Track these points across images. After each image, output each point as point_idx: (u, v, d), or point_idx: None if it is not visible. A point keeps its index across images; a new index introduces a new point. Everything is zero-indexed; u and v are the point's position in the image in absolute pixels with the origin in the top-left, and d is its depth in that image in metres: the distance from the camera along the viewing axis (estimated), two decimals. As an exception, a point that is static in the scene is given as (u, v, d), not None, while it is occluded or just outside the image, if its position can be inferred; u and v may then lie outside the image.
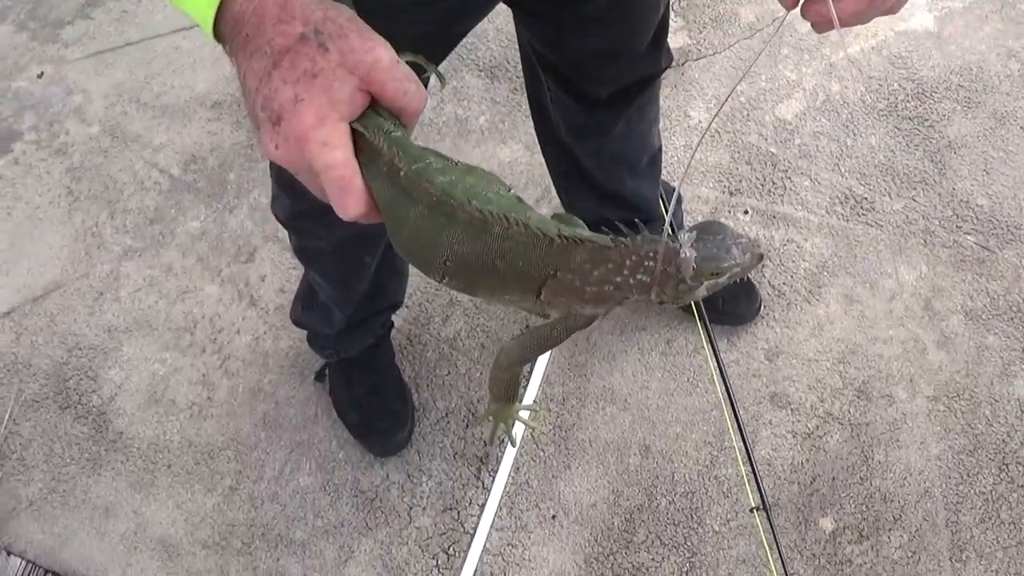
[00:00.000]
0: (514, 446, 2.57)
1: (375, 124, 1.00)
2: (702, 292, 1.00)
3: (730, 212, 2.95)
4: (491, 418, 1.23)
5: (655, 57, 2.09)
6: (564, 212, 1.09)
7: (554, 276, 1.00)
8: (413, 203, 1.00)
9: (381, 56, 0.97)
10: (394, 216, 1.01)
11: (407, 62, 1.07)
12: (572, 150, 2.36)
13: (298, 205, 2.08)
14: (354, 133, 0.99)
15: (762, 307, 2.82)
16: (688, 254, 0.97)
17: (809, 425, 2.69)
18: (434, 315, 2.86)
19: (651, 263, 0.98)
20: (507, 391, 1.17)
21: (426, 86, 1.11)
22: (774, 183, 3.00)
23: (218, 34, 1.01)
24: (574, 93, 2.14)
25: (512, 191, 1.03)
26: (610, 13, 1.85)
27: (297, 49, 0.95)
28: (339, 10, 0.99)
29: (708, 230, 1.00)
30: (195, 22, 1.02)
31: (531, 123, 2.41)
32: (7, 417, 2.83)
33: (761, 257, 1.02)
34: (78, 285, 3.02)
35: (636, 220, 1.05)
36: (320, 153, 0.94)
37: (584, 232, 1.01)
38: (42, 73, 3.46)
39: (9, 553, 2.67)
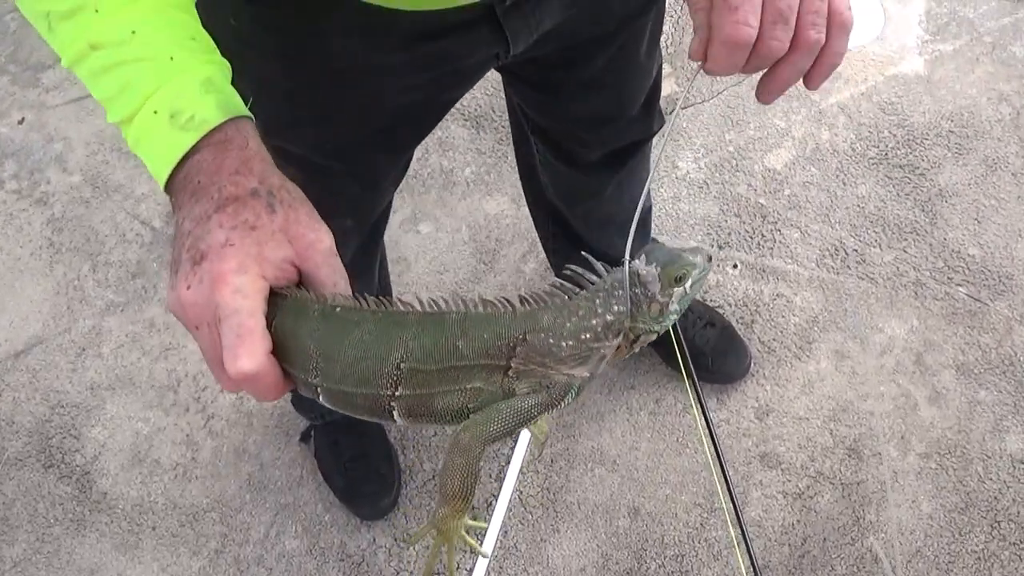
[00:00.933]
0: (485, 557, 2.51)
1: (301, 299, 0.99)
2: (674, 309, 0.99)
3: (719, 266, 2.93)
4: (432, 534, 1.07)
5: (647, 121, 2.07)
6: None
7: (523, 341, 0.97)
8: (356, 325, 0.98)
9: (323, 239, 0.97)
10: (328, 351, 0.98)
11: None
12: (561, 212, 2.34)
13: None
14: (275, 296, 0.97)
15: (752, 365, 2.79)
16: (648, 267, 0.98)
17: (800, 485, 2.66)
18: (420, 375, 2.83)
19: (620, 292, 0.98)
20: (463, 485, 1.02)
21: None
22: (763, 236, 2.98)
23: (170, 183, 0.99)
24: (564, 157, 2.12)
25: None
26: (602, 79, 1.82)
27: (245, 200, 0.94)
28: (297, 188, 0.99)
29: (653, 248, 1.01)
30: (148, 169, 1.00)
31: (516, 174, 2.39)
32: (-10, 475, 2.81)
33: (710, 258, 1.02)
34: (60, 340, 2.99)
35: (583, 253, 1.03)
36: (230, 298, 0.92)
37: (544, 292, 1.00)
38: (23, 119, 3.43)
39: (-7, 616, 2.65)
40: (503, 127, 3.19)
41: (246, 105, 1.04)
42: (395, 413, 1.01)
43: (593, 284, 0.99)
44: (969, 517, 2.62)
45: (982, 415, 2.74)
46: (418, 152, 3.09)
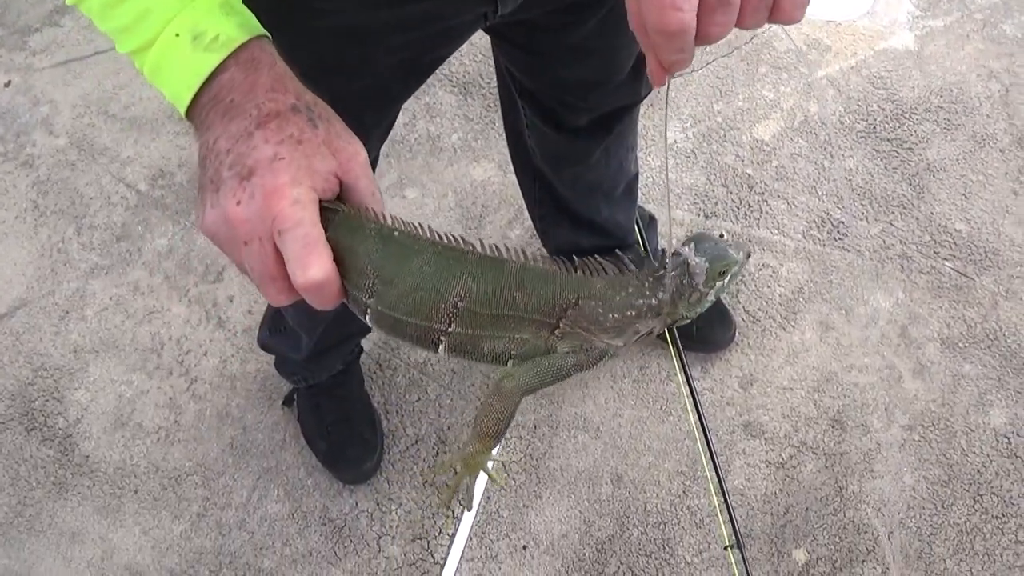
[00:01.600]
0: (470, 510, 2.52)
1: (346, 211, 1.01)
2: (710, 299, 1.03)
3: (705, 236, 2.92)
4: (457, 467, 1.13)
5: (635, 86, 2.05)
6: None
7: (576, 305, 1.01)
8: (416, 254, 1.00)
9: (360, 151, 0.98)
10: (385, 275, 1.00)
11: None
12: (548, 177, 2.33)
13: None
14: (327, 212, 0.98)
15: (736, 334, 2.79)
16: (699, 259, 1.00)
17: (783, 455, 2.66)
18: (404, 340, 2.82)
19: (667, 280, 1.01)
20: (497, 426, 1.08)
21: None
22: (750, 206, 2.97)
23: (193, 105, 0.99)
24: (552, 122, 2.11)
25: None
26: (591, 43, 1.81)
27: (287, 116, 0.95)
28: (328, 107, 1.00)
29: (703, 238, 1.02)
30: (166, 96, 1.01)
31: (503, 141, 2.38)
32: (-29, 438, 2.79)
33: (749, 254, 1.05)
34: (44, 303, 2.97)
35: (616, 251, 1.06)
36: (291, 210, 0.92)
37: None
38: (9, 82, 3.41)
39: (-27, 577, 2.63)
40: (491, 94, 3.18)
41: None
42: (442, 347, 1.04)
43: (647, 267, 1.02)
44: (951, 490, 2.62)
45: (966, 388, 2.74)
46: (405, 117, 3.10)
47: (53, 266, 3.02)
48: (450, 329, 1.02)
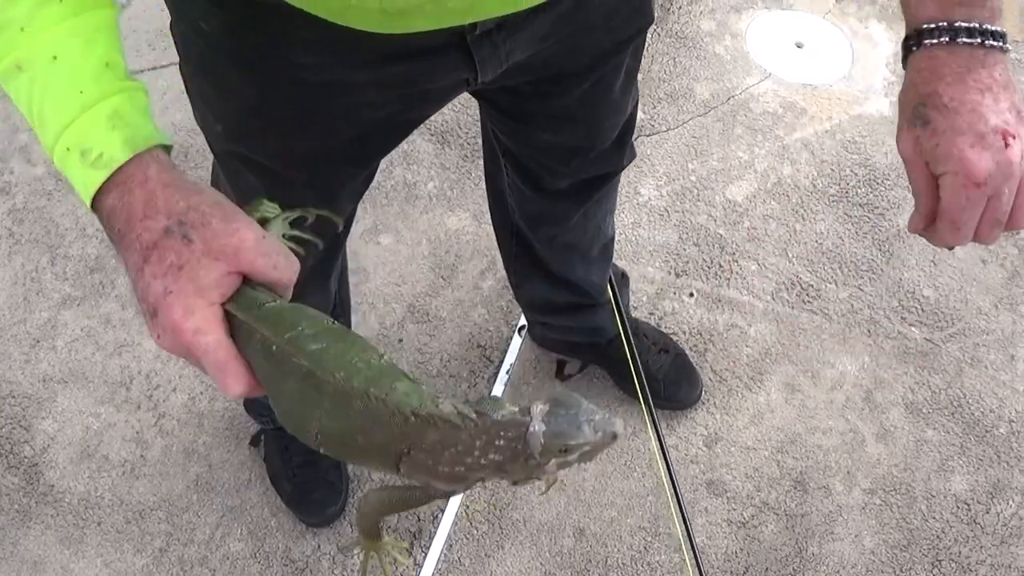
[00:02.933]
0: None
1: (248, 300, 1.03)
2: (552, 469, 0.98)
3: (675, 294, 2.95)
4: (362, 546, 1.20)
5: (618, 155, 2.07)
6: (485, 398, 1.09)
7: (407, 454, 0.99)
8: (286, 377, 1.01)
9: (245, 237, 1.01)
10: (273, 389, 1.04)
11: (318, 215, 1.17)
12: (525, 234, 2.35)
13: None
14: (230, 315, 1.02)
15: (703, 393, 2.81)
16: (537, 428, 0.95)
17: (745, 514, 2.68)
18: (373, 384, 2.83)
19: (501, 442, 0.97)
20: (371, 532, 1.17)
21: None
22: (721, 266, 3.00)
23: (98, 214, 1.05)
24: (533, 183, 2.13)
25: (384, 357, 1.04)
26: (575, 112, 1.83)
27: (163, 243, 0.99)
28: (203, 196, 1.02)
29: (562, 403, 0.97)
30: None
31: (480, 192, 2.41)
32: (-65, 463, 2.79)
33: (615, 436, 0.97)
34: (15, 331, 2.98)
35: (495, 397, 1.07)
36: (194, 341, 0.98)
37: (445, 408, 0.98)
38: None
39: (-70, 604, 2.63)
40: (468, 143, 3.20)
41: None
42: (323, 452, 1.06)
43: (482, 423, 0.98)
44: (911, 554, 2.65)
45: (928, 454, 2.77)
46: (382, 164, 3.06)
47: (26, 294, 3.03)
48: (319, 447, 1.04)
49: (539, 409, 0.96)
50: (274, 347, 1.01)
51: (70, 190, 3.06)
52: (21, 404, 2.87)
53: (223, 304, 1.01)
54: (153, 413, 2.84)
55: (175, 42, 1.54)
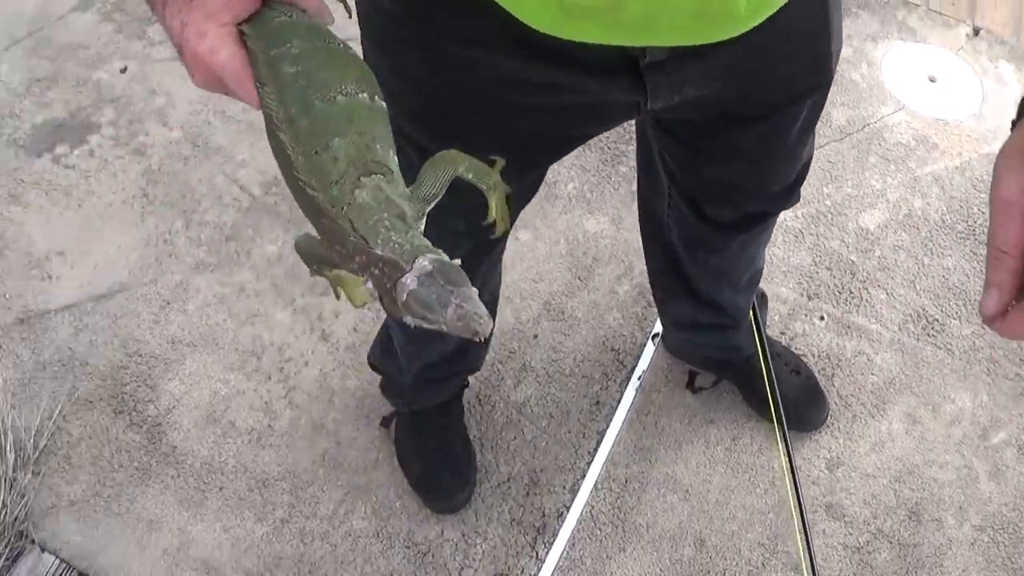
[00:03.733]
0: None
1: (263, 19, 1.11)
2: (408, 316, 0.99)
3: (806, 316, 2.98)
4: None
5: (788, 198, 2.06)
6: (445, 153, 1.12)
7: (321, 222, 1.06)
8: (263, 100, 1.09)
9: None
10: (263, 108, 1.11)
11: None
12: (678, 254, 2.35)
13: None
14: (244, 35, 1.11)
15: (829, 416, 2.84)
16: (408, 282, 0.97)
17: (860, 539, 2.72)
18: (506, 377, 2.86)
19: (376, 271, 1.00)
20: (319, 270, 1.16)
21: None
22: (851, 292, 3.03)
23: None
24: (695, 209, 2.12)
25: (361, 95, 1.10)
26: (746, 154, 1.83)
27: None
28: None
29: (445, 274, 0.97)
30: None
31: (619, 196, 2.42)
32: (56, 412, 2.82)
33: (475, 334, 0.96)
34: (145, 291, 3.01)
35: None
36: (212, 61, 1.07)
37: (346, 217, 1.03)
38: (125, 68, 3.45)
39: (43, 550, 2.65)
40: (608, 148, 3.23)
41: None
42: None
43: (369, 249, 1.01)
44: (1015, 594, 2.68)
45: (1039, 497, 2.80)
46: (524, 160, 3.14)
47: (158, 256, 3.06)
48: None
49: (420, 265, 0.97)
50: (259, 66, 1.09)
51: (207, 157, 3.12)
52: (148, 363, 2.90)
53: (239, 25, 1.09)
54: (283, 385, 2.87)
55: (358, 16, 1.57)
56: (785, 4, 1.38)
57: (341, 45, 1.14)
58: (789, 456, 2.33)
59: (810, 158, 1.98)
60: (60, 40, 3.58)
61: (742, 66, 1.55)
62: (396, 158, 1.10)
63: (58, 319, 2.98)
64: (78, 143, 3.30)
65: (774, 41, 1.51)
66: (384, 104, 1.14)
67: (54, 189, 3.21)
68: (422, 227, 1.06)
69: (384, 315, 2.43)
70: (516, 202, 1.87)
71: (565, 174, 3.21)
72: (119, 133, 3.31)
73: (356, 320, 2.94)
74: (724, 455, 2.79)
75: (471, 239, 1.55)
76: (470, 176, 1.16)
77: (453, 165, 1.12)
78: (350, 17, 1.40)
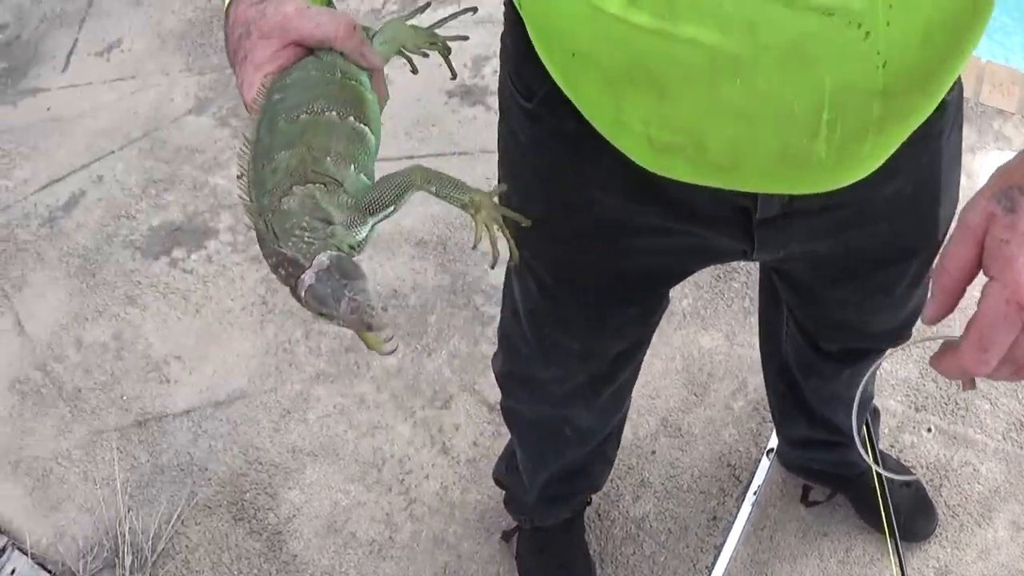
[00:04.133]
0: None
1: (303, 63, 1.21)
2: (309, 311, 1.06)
3: (914, 428, 3.03)
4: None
5: (894, 339, 2.08)
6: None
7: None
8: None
9: (286, 12, 1.20)
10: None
11: None
12: (795, 379, 2.42)
13: (508, 364, 2.17)
14: None
15: (937, 527, 2.90)
16: (306, 279, 1.03)
17: (971, 647, 2.78)
18: (624, 493, 2.92)
19: (282, 271, 1.07)
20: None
21: None
22: (957, 403, 3.08)
23: None
24: (808, 339, 2.19)
25: (334, 113, 1.19)
26: (850, 300, 1.88)
27: (236, 47, 1.21)
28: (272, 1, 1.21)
29: (341, 269, 1.03)
30: None
31: (732, 313, 2.47)
32: (175, 516, 2.90)
33: (369, 328, 1.02)
34: (264, 399, 3.09)
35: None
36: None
37: (264, 217, 1.11)
38: (241, 174, 3.53)
39: (164, 656, 2.73)
40: (720, 264, 3.29)
41: None
42: None
43: (275, 248, 1.08)
44: None
45: None
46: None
47: (278, 364, 3.15)
48: None
49: (319, 262, 1.04)
50: (261, 100, 1.19)
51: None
52: (268, 471, 2.98)
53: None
54: (404, 497, 2.94)
55: (497, 137, 1.67)
56: (889, 171, 1.38)
57: (340, 74, 1.23)
58: (901, 567, 2.38)
59: (922, 302, 1.95)
60: (176, 142, 3.68)
61: (846, 228, 1.59)
62: (359, 175, 1.19)
63: (177, 423, 3.07)
64: (196, 247, 3.39)
65: (879, 205, 1.55)
66: (367, 128, 1.22)
67: (172, 293, 3.31)
68: (362, 235, 1.13)
69: (510, 434, 2.50)
70: (615, 336, 1.95)
71: (679, 290, 3.25)
72: (236, 239, 3.40)
73: (476, 434, 3.01)
74: (837, 568, 2.85)
75: (588, 363, 1.74)
76: (439, 194, 1.22)
77: (408, 178, 1.19)
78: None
